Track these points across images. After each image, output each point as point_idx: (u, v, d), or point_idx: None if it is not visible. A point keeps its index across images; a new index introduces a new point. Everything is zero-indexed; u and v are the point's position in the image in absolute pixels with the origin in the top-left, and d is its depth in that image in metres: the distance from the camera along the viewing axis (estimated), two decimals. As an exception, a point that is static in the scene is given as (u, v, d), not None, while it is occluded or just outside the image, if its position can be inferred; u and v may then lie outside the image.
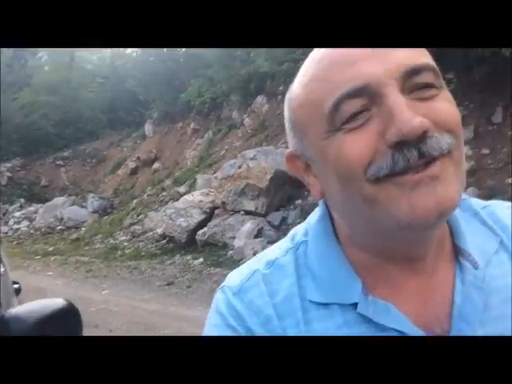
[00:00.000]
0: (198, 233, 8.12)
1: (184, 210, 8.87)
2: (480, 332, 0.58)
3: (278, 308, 0.58)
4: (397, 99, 0.49)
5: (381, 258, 0.57)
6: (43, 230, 12.44)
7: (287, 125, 0.60)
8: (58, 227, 12.38)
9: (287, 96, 0.60)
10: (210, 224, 8.00)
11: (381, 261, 0.57)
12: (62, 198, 13.80)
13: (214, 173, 9.73)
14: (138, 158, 13.59)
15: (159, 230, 9.18)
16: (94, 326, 4.77)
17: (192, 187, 10.03)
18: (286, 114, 0.59)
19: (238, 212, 7.72)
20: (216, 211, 8.31)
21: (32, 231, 12.58)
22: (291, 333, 0.58)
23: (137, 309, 5.81)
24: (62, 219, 12.62)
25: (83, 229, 11.82)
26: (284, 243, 0.63)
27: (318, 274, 0.58)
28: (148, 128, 14.76)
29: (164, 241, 8.87)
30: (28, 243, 11.80)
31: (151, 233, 9.49)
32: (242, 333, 0.60)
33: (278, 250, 0.63)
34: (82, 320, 1.27)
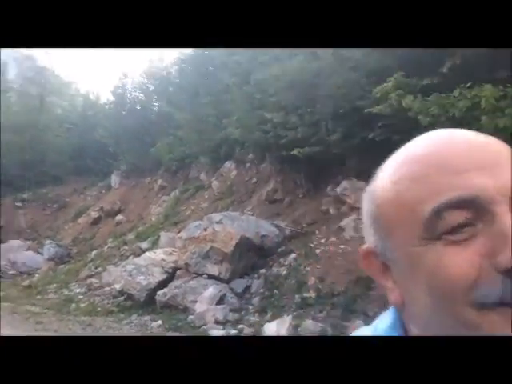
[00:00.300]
0: (158, 293, 8.17)
1: (145, 267, 8.95)
2: None
3: None
4: (509, 221, 0.46)
5: None
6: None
7: (367, 220, 0.56)
8: (10, 272, 12.00)
9: (369, 189, 0.57)
10: (171, 285, 8.10)
11: None
12: (17, 241, 13.46)
13: (179, 232, 9.94)
14: (102, 208, 13.60)
15: (117, 286, 9.15)
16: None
17: (155, 244, 10.15)
18: (367, 207, 0.56)
19: (201, 275, 7.91)
20: (178, 272, 8.43)
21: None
22: None
23: None
24: (14, 263, 12.25)
25: (37, 276, 11.53)
26: None
27: None
28: (115, 179, 14.90)
29: (122, 297, 8.83)
30: (-25, 287, 11.33)
31: (109, 288, 9.44)
32: None
33: None
34: None
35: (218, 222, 9.11)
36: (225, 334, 6.45)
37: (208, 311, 7.06)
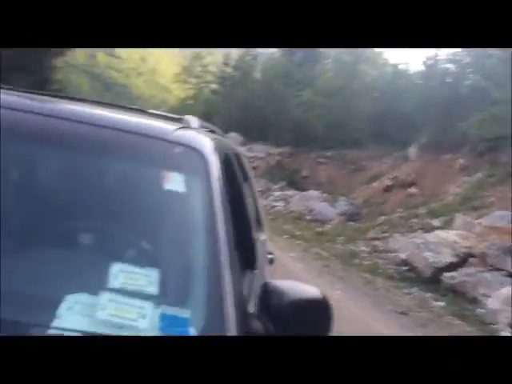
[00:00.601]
0: (445, 274, 7.90)
1: (434, 244, 8.72)
2: None
3: None
4: None
5: None
6: (295, 214, 14.01)
7: None
8: (307, 217, 13.74)
9: None
10: (462, 271, 7.68)
11: None
12: (316, 191, 15.22)
13: (478, 218, 9.21)
14: (396, 177, 13.83)
15: (402, 255, 9.26)
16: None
17: (447, 224, 9.73)
18: None
19: (500, 270, 7.20)
20: (471, 259, 7.92)
21: (285, 212, 14.30)
22: None
23: (365, 326, 5.80)
24: (312, 210, 13.95)
25: (328, 226, 12.82)
26: None
27: None
28: (412, 151, 14.80)
29: (405, 267, 8.91)
30: (280, 222, 13.46)
31: (393, 254, 9.67)
32: None
33: None
34: (332, 319, 1.16)
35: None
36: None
37: (502, 311, 6.40)
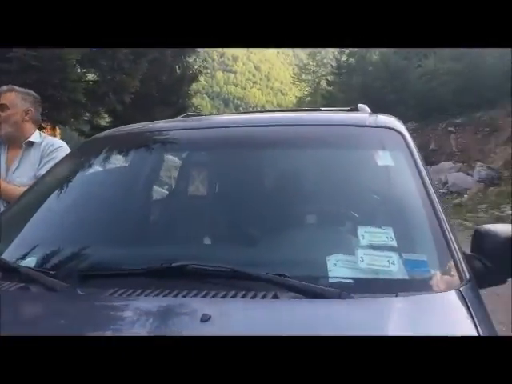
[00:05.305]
0: None
1: None
2: None
3: None
4: None
5: None
6: (427, 190, 13.30)
7: None
8: (441, 190, 13.00)
9: None
10: None
11: None
12: (448, 163, 14.30)
13: None
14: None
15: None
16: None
17: None
18: None
19: None
20: None
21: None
22: None
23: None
24: (446, 183, 13.17)
25: (466, 196, 11.99)
26: None
27: None
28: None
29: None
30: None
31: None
32: None
33: None
34: None
35: None
36: None
37: None
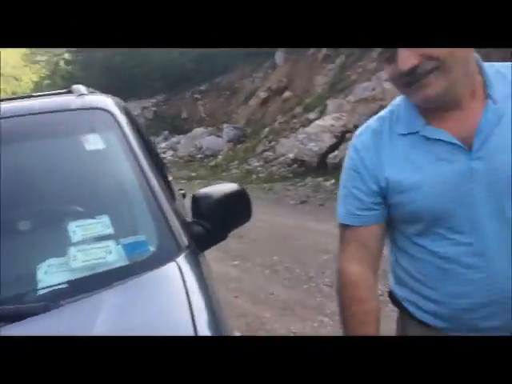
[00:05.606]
0: (329, 156, 8.14)
1: (315, 134, 8.91)
2: (493, 140, 0.97)
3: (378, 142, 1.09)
4: None
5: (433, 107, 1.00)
6: (185, 158, 13.62)
7: None
8: (198, 156, 13.43)
9: None
10: (341, 147, 7.94)
11: (434, 107, 1.00)
12: (200, 128, 14.83)
13: (346, 97, 9.48)
14: (269, 88, 13.78)
15: (291, 155, 9.42)
16: (238, 236, 5.11)
17: (322, 113, 9.94)
18: None
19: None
20: (347, 135, 8.18)
21: (176, 159, 13.85)
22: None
23: (275, 223, 6.12)
24: (200, 148, 13.63)
25: (219, 157, 12.65)
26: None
27: (402, 118, 1.07)
28: (279, 56, 14.75)
29: (295, 165, 9.09)
30: (174, 170, 13.08)
31: (283, 158, 9.78)
32: (359, 165, 1.08)
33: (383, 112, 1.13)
34: (251, 204, 1.45)
35: (386, 80, 8.34)
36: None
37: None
